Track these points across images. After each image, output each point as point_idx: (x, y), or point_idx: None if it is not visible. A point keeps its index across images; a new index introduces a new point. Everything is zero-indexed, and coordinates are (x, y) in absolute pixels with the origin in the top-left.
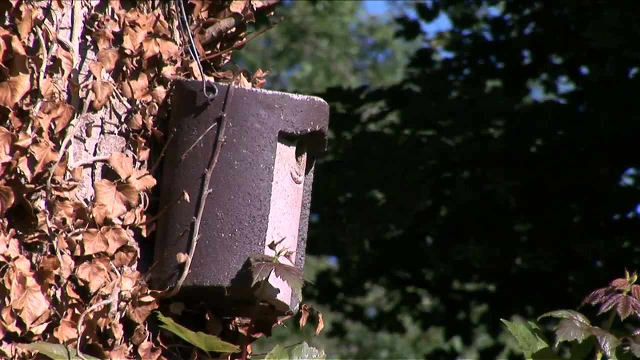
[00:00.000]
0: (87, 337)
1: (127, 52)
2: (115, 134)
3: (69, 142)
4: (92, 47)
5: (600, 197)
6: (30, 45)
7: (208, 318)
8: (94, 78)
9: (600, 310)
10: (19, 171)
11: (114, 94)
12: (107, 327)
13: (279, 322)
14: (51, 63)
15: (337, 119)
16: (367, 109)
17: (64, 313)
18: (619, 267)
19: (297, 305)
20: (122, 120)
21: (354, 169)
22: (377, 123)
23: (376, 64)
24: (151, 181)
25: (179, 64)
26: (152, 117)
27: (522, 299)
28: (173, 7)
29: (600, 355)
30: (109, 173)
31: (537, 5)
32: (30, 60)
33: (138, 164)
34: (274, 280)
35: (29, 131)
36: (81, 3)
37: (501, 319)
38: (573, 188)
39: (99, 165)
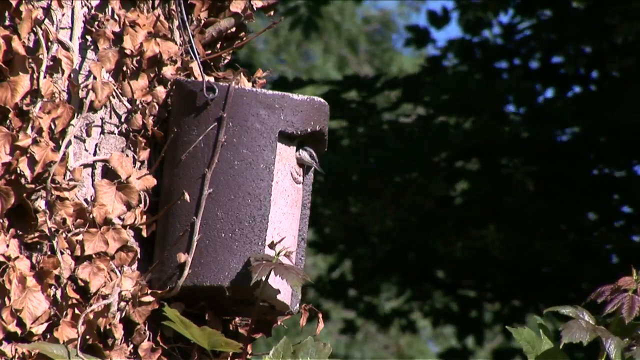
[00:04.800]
0: (87, 337)
1: (127, 52)
2: (115, 134)
3: (69, 142)
4: (92, 47)
5: (617, 191)
6: (30, 45)
7: (208, 318)
8: (94, 78)
9: (605, 311)
10: (19, 171)
11: (114, 94)
12: (107, 327)
13: (279, 322)
14: (51, 63)
15: (353, 107)
16: (382, 98)
17: (64, 313)
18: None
19: (297, 305)
20: (122, 120)
21: (370, 154)
22: (392, 112)
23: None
24: (151, 181)
25: (179, 64)
26: (152, 117)
27: (535, 298)
28: (173, 7)
29: (604, 356)
30: (109, 173)
31: (547, 11)
32: (30, 60)
33: (138, 164)
34: (274, 280)
35: (29, 131)
36: (81, 3)
37: (506, 327)
38: (589, 180)
39: (99, 165)
